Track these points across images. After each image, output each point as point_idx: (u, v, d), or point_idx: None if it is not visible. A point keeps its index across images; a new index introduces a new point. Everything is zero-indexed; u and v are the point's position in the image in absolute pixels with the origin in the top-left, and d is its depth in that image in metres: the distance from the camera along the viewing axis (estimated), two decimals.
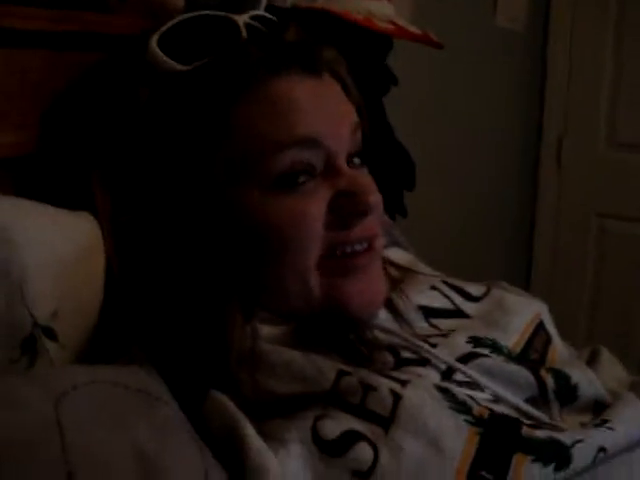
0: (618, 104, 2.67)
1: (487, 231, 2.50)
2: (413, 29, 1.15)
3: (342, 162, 0.69)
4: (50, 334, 0.63)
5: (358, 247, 0.69)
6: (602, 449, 0.63)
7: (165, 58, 0.69)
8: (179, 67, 0.69)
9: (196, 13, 0.72)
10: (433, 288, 0.83)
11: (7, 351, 0.61)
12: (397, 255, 0.93)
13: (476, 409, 0.64)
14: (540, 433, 0.63)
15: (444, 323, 0.78)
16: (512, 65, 2.56)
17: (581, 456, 0.62)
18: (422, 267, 0.94)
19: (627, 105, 2.65)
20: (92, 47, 0.79)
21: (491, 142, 2.46)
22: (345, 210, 0.68)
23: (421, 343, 0.69)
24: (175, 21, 0.71)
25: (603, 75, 2.69)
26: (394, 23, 1.12)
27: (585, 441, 0.63)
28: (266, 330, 0.68)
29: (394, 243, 1.07)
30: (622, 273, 2.70)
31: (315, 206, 0.67)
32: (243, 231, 0.67)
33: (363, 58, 1.10)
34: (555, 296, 2.64)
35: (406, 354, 0.69)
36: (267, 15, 0.77)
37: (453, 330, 0.76)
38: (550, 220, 2.85)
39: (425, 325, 0.77)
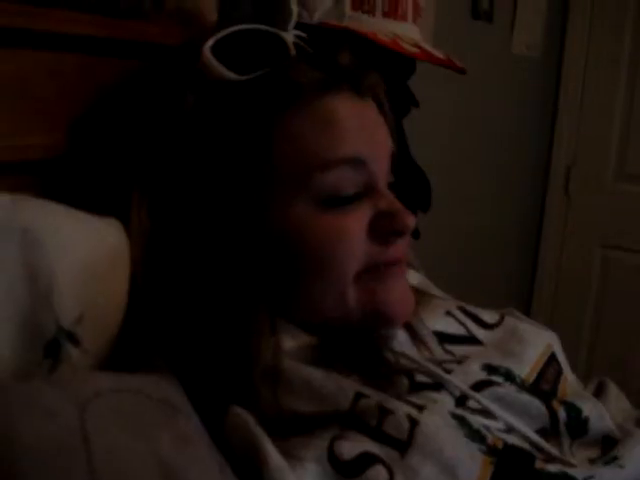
0: (629, 136, 2.69)
1: (492, 255, 2.51)
2: (438, 53, 1.16)
3: (382, 184, 0.72)
4: (73, 339, 0.62)
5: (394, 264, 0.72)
6: None
7: (220, 66, 0.70)
8: (234, 76, 0.70)
9: (245, 26, 0.73)
10: (448, 314, 0.84)
11: (30, 354, 0.60)
12: (413, 277, 0.93)
13: (490, 438, 0.64)
14: (552, 467, 0.64)
15: (458, 349, 0.78)
16: (525, 91, 2.58)
17: None
18: (436, 290, 0.95)
19: (638, 137, 2.67)
20: (127, 54, 0.79)
21: (501, 167, 2.48)
22: (384, 230, 0.70)
23: (437, 369, 0.70)
24: (226, 32, 0.72)
25: (615, 106, 2.71)
26: (419, 47, 1.14)
27: (596, 478, 0.64)
28: (288, 344, 0.68)
29: (408, 265, 1.08)
30: (624, 304, 2.70)
31: (357, 224, 0.69)
32: (282, 244, 0.69)
33: (387, 79, 1.11)
34: (556, 324, 2.64)
35: (421, 378, 0.69)
36: (303, 34, 0.79)
37: (467, 357, 0.76)
38: (555, 248, 2.86)
39: (440, 350, 0.77)
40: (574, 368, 0.90)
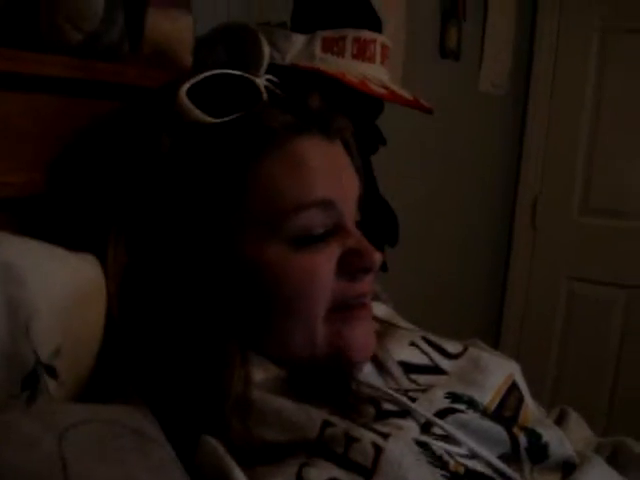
0: (593, 170, 2.75)
1: (461, 288, 2.53)
2: (405, 94, 1.19)
3: (350, 223, 0.75)
4: (51, 372, 0.64)
5: (361, 300, 0.75)
6: None
7: (196, 110, 0.72)
8: (208, 119, 0.72)
9: (219, 71, 0.75)
10: (412, 344, 0.85)
11: (9, 386, 0.61)
12: (379, 309, 0.96)
13: (452, 464, 0.66)
14: None
15: (422, 379, 0.80)
16: (492, 128, 2.63)
17: None
18: (401, 321, 0.97)
19: (602, 172, 2.73)
20: (105, 95, 0.82)
21: (468, 201, 2.51)
22: (352, 267, 0.73)
23: (402, 397, 0.72)
24: (201, 77, 0.74)
25: (579, 142, 2.77)
26: (387, 87, 1.17)
27: None
28: (258, 375, 0.70)
29: (375, 297, 1.10)
30: (588, 335, 2.74)
31: (327, 264, 0.72)
32: (254, 282, 0.71)
33: (355, 119, 1.14)
34: (523, 354, 2.68)
35: (387, 406, 0.71)
36: (274, 79, 0.82)
37: (432, 386, 0.78)
38: (522, 280, 2.89)
39: (404, 380, 0.79)
40: (539, 399, 0.92)
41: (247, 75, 0.76)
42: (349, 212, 0.75)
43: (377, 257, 0.73)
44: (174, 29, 0.91)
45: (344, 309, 0.73)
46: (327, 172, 0.73)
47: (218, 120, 0.72)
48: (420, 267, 2.22)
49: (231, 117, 0.73)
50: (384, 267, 1.33)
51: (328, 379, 0.72)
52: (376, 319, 0.90)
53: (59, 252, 0.70)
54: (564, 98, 2.79)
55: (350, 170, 0.78)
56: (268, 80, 0.80)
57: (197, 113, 0.72)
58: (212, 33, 0.94)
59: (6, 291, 0.62)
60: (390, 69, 1.27)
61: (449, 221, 2.39)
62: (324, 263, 0.72)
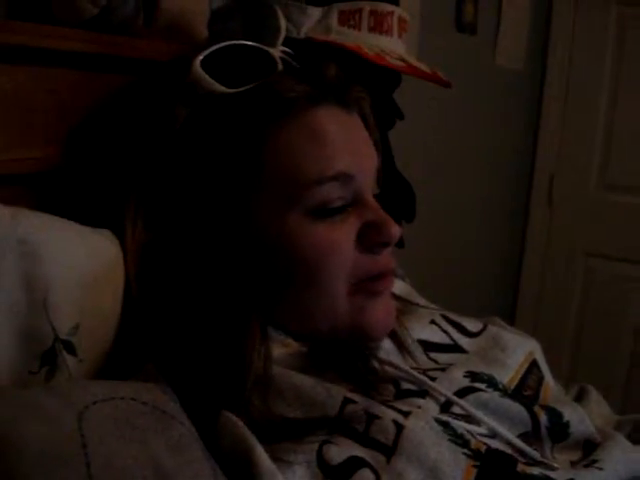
0: (611, 146, 2.72)
1: (477, 264, 2.52)
2: (423, 67, 1.18)
3: (368, 195, 0.74)
4: (70, 348, 0.64)
5: (382, 272, 0.74)
6: None
7: (210, 80, 0.71)
8: (224, 89, 0.72)
9: (233, 42, 0.75)
10: (432, 322, 0.85)
11: (27, 363, 0.62)
12: (397, 286, 0.95)
13: (473, 443, 0.66)
14: (534, 470, 0.65)
15: (442, 357, 0.80)
16: (509, 102, 2.60)
17: None
18: (419, 299, 0.97)
19: (620, 147, 2.69)
20: (119, 69, 0.81)
21: (484, 176, 2.49)
22: (372, 240, 0.72)
23: (422, 376, 0.71)
24: (215, 47, 0.73)
25: (598, 116, 2.73)
26: (405, 60, 1.15)
27: None
28: (277, 350, 0.70)
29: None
30: (606, 311, 2.73)
31: (346, 235, 0.71)
32: (274, 254, 0.70)
33: (372, 92, 1.13)
34: (540, 331, 2.67)
35: (406, 385, 0.71)
36: (289, 51, 0.80)
37: (451, 364, 0.78)
38: (538, 256, 2.88)
39: (424, 358, 0.79)
40: (557, 375, 0.92)
41: (261, 46, 0.75)
42: (367, 185, 0.75)
43: (396, 230, 0.73)
44: (189, 2, 0.90)
45: (365, 282, 0.73)
46: (345, 145, 0.72)
47: (233, 90, 0.72)
48: (435, 243, 2.21)
49: (246, 87, 0.72)
50: (400, 244, 1.32)
51: (348, 355, 0.72)
52: (395, 297, 0.89)
53: (76, 228, 0.69)
54: (582, 72, 2.75)
55: (368, 143, 0.77)
56: (283, 52, 0.79)
57: (212, 83, 0.72)
58: (228, 5, 0.92)
59: (23, 267, 0.62)
60: (405, 43, 1.25)
61: (465, 197, 2.37)
62: (343, 235, 0.71)
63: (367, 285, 0.73)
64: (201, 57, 0.72)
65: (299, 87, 0.72)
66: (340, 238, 0.71)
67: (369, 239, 0.72)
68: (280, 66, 0.75)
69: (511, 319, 2.78)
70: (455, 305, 1.00)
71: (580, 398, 0.93)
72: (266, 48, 0.76)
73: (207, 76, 0.72)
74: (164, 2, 0.85)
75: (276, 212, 0.70)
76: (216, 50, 0.74)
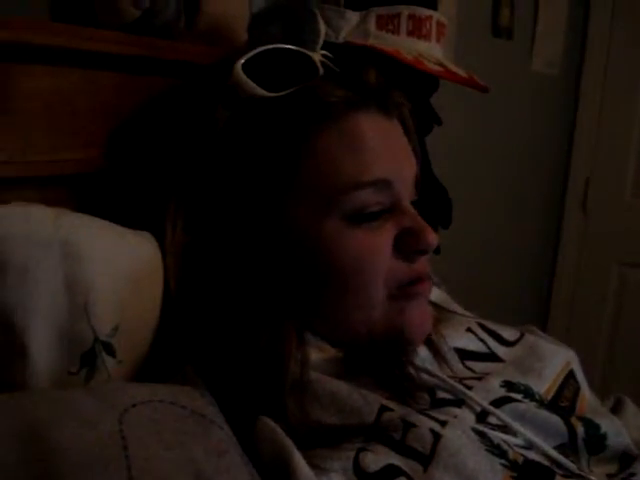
0: None
1: (510, 271, 2.50)
2: (461, 72, 1.17)
3: (406, 202, 0.74)
4: (109, 350, 0.64)
5: (419, 278, 0.74)
6: None
7: (252, 83, 0.71)
8: (265, 93, 0.72)
9: (274, 46, 0.75)
10: (469, 330, 0.85)
11: (67, 363, 0.62)
12: (433, 293, 0.94)
13: (511, 454, 0.65)
14: None
15: (478, 366, 0.80)
16: (544, 107, 2.58)
17: None
18: (455, 306, 0.96)
19: None
20: (161, 72, 0.81)
21: (519, 183, 2.48)
22: (409, 247, 0.72)
23: (458, 385, 0.71)
24: (257, 51, 0.74)
25: (633, 122, 2.70)
26: (442, 65, 1.15)
27: None
28: (314, 356, 0.70)
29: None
30: (639, 321, 2.69)
31: (384, 242, 0.71)
32: (311, 259, 0.70)
33: (410, 97, 1.12)
34: (573, 339, 2.63)
35: (442, 394, 0.70)
36: (329, 55, 0.80)
37: (487, 373, 0.77)
38: (572, 264, 2.85)
39: (460, 367, 0.79)
40: (590, 385, 0.91)
41: (302, 50, 0.75)
42: (405, 192, 0.74)
43: (433, 237, 0.72)
44: (230, 6, 0.90)
45: (402, 287, 0.72)
46: (384, 151, 0.72)
47: (274, 94, 0.72)
48: (468, 249, 2.20)
49: (287, 91, 0.72)
50: (437, 250, 1.31)
51: (385, 361, 0.71)
52: (431, 304, 0.89)
53: (117, 229, 0.70)
54: (618, 78, 2.72)
55: (407, 149, 0.77)
56: (324, 56, 0.79)
57: (253, 87, 0.72)
58: (268, 10, 0.92)
59: (65, 268, 0.63)
60: (443, 48, 1.25)
61: (500, 203, 2.35)
62: (381, 242, 0.71)
63: (404, 290, 0.72)
64: (242, 61, 0.73)
65: (339, 92, 0.71)
66: (377, 244, 0.71)
67: (406, 246, 0.72)
68: (321, 70, 0.75)
69: (543, 327, 2.75)
70: (487, 312, 0.99)
71: (616, 409, 0.92)
72: (307, 52, 0.76)
73: (249, 80, 0.72)
74: (206, 5, 0.85)
75: (313, 216, 0.70)
76: (257, 54, 0.74)
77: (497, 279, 2.42)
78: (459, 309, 0.96)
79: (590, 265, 2.81)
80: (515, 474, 0.63)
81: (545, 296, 2.87)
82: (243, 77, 0.72)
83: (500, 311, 1.71)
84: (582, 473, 0.69)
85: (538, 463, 0.67)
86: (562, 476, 0.66)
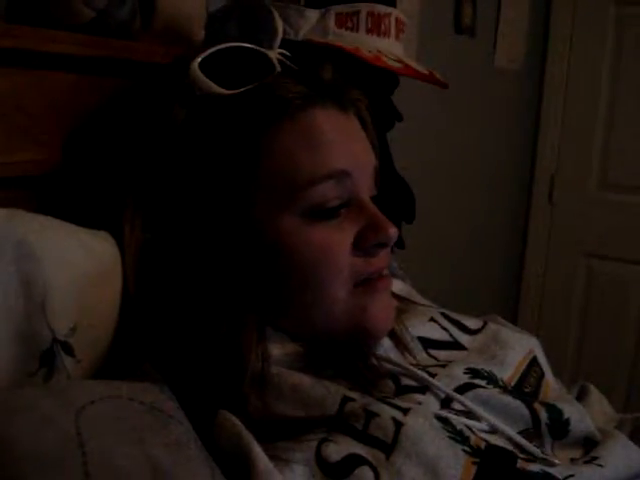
0: (611, 145, 2.72)
1: (479, 265, 2.52)
2: (420, 68, 1.18)
3: (366, 196, 0.74)
4: (68, 349, 0.64)
5: (379, 273, 0.74)
6: None
7: (208, 81, 0.72)
8: (222, 91, 0.72)
9: (230, 44, 0.75)
10: (432, 320, 0.85)
11: (25, 363, 0.62)
12: (396, 285, 0.95)
13: (473, 439, 0.66)
14: (534, 467, 0.65)
15: (442, 354, 0.80)
16: (508, 103, 2.61)
17: None
18: (419, 298, 0.97)
19: (619, 147, 2.70)
20: (117, 72, 0.81)
21: (484, 177, 2.50)
22: (369, 242, 0.72)
23: (421, 373, 0.71)
24: (213, 50, 0.74)
25: (597, 116, 2.74)
26: (402, 62, 1.16)
27: (576, 476, 0.65)
28: (275, 351, 0.70)
29: (392, 274, 1.10)
30: (607, 312, 2.73)
31: (343, 238, 0.71)
32: (270, 256, 0.71)
33: (370, 94, 1.13)
34: (542, 331, 2.68)
35: (407, 381, 0.71)
36: (286, 53, 0.81)
37: (451, 361, 0.78)
38: (540, 256, 2.88)
39: (424, 355, 0.79)
40: (560, 375, 0.92)
41: (259, 48, 0.76)
42: (364, 184, 0.74)
43: (393, 231, 0.73)
44: (186, 5, 0.90)
45: (365, 283, 0.73)
46: (341, 144, 0.72)
47: (230, 92, 0.72)
48: (436, 244, 2.21)
49: (243, 89, 0.72)
50: (401, 244, 1.32)
51: (347, 354, 0.72)
52: (394, 296, 0.89)
53: (73, 229, 0.70)
54: (581, 72, 2.76)
55: (365, 143, 0.78)
56: (281, 54, 0.79)
57: (209, 85, 0.72)
58: (225, 8, 0.93)
59: (21, 268, 0.62)
60: (405, 45, 1.26)
61: (465, 198, 2.37)
62: (339, 238, 0.71)
63: (365, 286, 0.73)
64: (199, 59, 0.73)
65: (295, 88, 0.72)
66: (336, 241, 0.71)
67: (366, 241, 0.72)
68: (277, 68, 0.76)
69: (513, 320, 2.77)
70: (457, 306, 1.00)
71: (581, 396, 0.93)
72: (263, 50, 0.77)
73: (205, 78, 0.72)
74: (160, 5, 0.85)
75: (272, 214, 0.70)
76: (214, 52, 0.74)
77: (467, 273, 2.43)
78: (423, 301, 0.96)
79: (558, 258, 2.85)
80: (477, 459, 0.64)
81: (515, 289, 2.90)
82: (200, 75, 0.72)
83: (470, 304, 1.73)
84: (545, 457, 0.70)
85: (500, 448, 0.67)
86: (525, 460, 0.67)
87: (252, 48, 0.76)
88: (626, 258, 2.70)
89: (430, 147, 2.12)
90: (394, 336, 0.78)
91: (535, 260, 2.89)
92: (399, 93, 1.32)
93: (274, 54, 0.77)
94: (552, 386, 0.85)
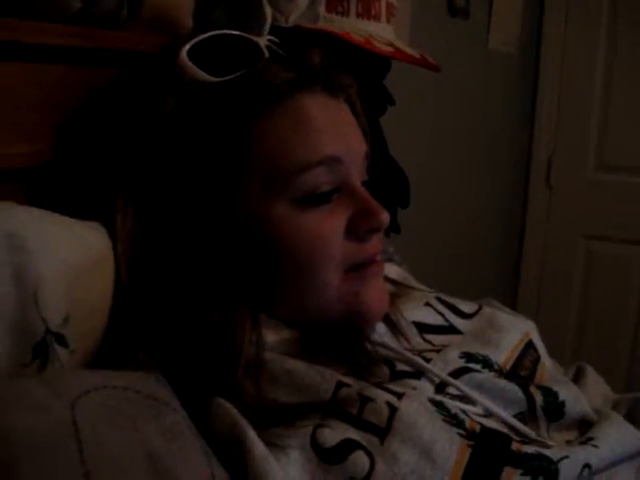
0: (607, 127, 2.72)
1: (476, 249, 2.53)
2: (411, 52, 1.18)
3: (357, 182, 0.74)
4: (61, 340, 0.64)
5: (372, 259, 0.74)
6: (587, 465, 0.66)
7: (196, 69, 0.72)
8: (210, 78, 0.72)
9: (219, 32, 0.75)
10: (427, 305, 0.86)
11: (19, 355, 0.62)
12: (392, 271, 0.95)
13: (468, 423, 0.66)
14: (528, 448, 0.65)
15: (437, 339, 0.80)
16: (504, 86, 2.60)
17: (567, 471, 0.64)
18: (414, 283, 0.97)
19: (616, 128, 2.70)
20: (105, 62, 0.81)
21: (481, 160, 2.50)
22: (361, 228, 0.72)
23: (416, 358, 0.72)
24: (201, 37, 0.74)
25: (593, 97, 2.74)
26: (393, 45, 1.15)
27: (571, 457, 0.66)
28: (270, 337, 0.70)
29: (388, 259, 1.10)
30: (607, 293, 2.73)
31: (335, 224, 0.71)
32: (263, 243, 0.71)
33: (362, 79, 1.13)
34: (542, 314, 2.68)
35: (402, 367, 0.71)
36: (275, 39, 0.81)
37: (446, 345, 0.78)
38: (538, 240, 2.88)
39: (419, 340, 0.79)
40: (560, 359, 0.92)
41: (247, 35, 0.76)
42: (355, 170, 0.75)
43: (384, 216, 0.73)
44: None
45: (357, 269, 0.73)
46: (332, 130, 0.72)
47: (219, 79, 0.72)
48: (434, 228, 2.21)
49: (232, 76, 0.72)
50: (397, 229, 1.32)
51: (341, 339, 0.72)
52: (390, 280, 0.90)
53: (65, 220, 0.70)
54: (576, 54, 2.76)
55: (355, 128, 0.77)
56: (270, 40, 0.79)
57: (198, 72, 0.72)
58: None
59: (12, 260, 0.62)
60: (397, 29, 1.26)
61: (462, 182, 2.37)
62: (331, 224, 0.71)
63: (358, 272, 0.73)
64: (187, 47, 0.73)
65: (284, 74, 0.72)
66: (328, 228, 0.71)
67: (357, 226, 0.72)
68: (266, 54, 0.75)
69: (513, 302, 2.78)
70: (456, 290, 1.00)
71: (578, 378, 0.93)
72: (251, 37, 0.76)
73: (193, 65, 0.72)
74: None
75: (264, 201, 0.70)
76: (202, 40, 0.74)
77: (465, 258, 2.44)
78: (418, 286, 0.96)
79: (557, 240, 2.85)
80: (472, 442, 0.64)
81: (514, 272, 2.91)
82: (188, 63, 0.72)
83: (470, 288, 1.73)
84: (540, 439, 0.71)
85: (495, 430, 0.67)
86: (520, 442, 0.67)
87: (240, 35, 0.76)
88: (625, 239, 2.71)
89: (425, 131, 2.12)
90: (389, 321, 0.78)
91: (534, 243, 2.89)
92: (392, 76, 1.32)
93: (263, 41, 0.77)
94: (548, 369, 0.85)
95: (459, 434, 0.64)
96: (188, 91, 0.73)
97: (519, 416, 0.73)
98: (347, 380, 0.66)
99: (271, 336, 0.71)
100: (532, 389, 0.75)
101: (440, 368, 0.72)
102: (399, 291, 0.88)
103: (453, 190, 2.32)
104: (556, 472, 0.64)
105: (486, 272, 2.63)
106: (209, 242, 0.71)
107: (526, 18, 2.63)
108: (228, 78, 0.72)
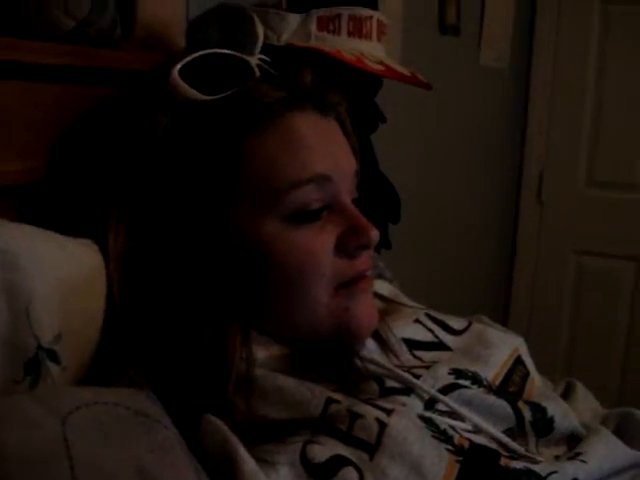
0: (598, 143, 2.73)
1: (468, 264, 2.53)
2: (402, 70, 1.19)
3: (347, 199, 0.75)
4: (53, 357, 0.64)
5: (361, 275, 0.75)
6: None
7: (188, 87, 0.72)
8: (201, 97, 0.73)
9: (210, 51, 0.76)
10: (416, 321, 0.86)
11: (11, 372, 0.62)
12: (382, 287, 0.96)
13: (457, 438, 0.66)
14: (517, 464, 0.66)
15: (427, 355, 0.81)
16: (495, 102, 2.61)
17: None
18: (405, 299, 0.97)
19: (607, 144, 2.71)
20: (99, 81, 0.82)
21: (473, 177, 2.50)
22: (351, 245, 0.73)
23: (406, 374, 0.72)
24: (193, 56, 0.75)
25: (584, 113, 2.75)
26: (384, 64, 1.16)
27: (559, 472, 0.66)
28: (260, 354, 0.71)
29: (379, 275, 1.11)
30: (598, 308, 2.74)
31: (325, 241, 0.72)
32: (253, 260, 0.71)
33: (353, 96, 1.14)
34: (534, 329, 2.69)
35: (391, 383, 0.71)
36: (266, 58, 0.81)
37: (435, 362, 0.78)
38: (530, 255, 2.89)
39: (409, 357, 0.80)
40: (551, 375, 0.92)
41: (239, 54, 0.77)
42: (345, 187, 0.75)
43: (374, 233, 0.73)
44: (166, 12, 0.91)
45: (347, 285, 0.74)
46: (322, 148, 0.73)
47: (210, 97, 0.73)
48: (426, 244, 2.22)
49: (223, 94, 0.73)
50: (388, 245, 1.33)
51: (331, 356, 0.73)
52: (380, 297, 0.90)
53: (57, 237, 0.70)
54: (567, 69, 2.77)
55: (345, 147, 0.78)
56: (261, 59, 0.80)
57: (189, 91, 0.73)
58: (205, 14, 0.93)
59: (4, 277, 0.63)
60: (389, 47, 1.27)
61: (454, 197, 2.38)
62: (321, 242, 0.72)
63: (348, 287, 0.74)
64: (179, 66, 0.74)
65: (275, 93, 0.73)
66: (318, 245, 0.72)
67: (347, 243, 0.73)
68: (257, 73, 0.76)
69: (504, 318, 2.78)
70: (447, 306, 1.01)
71: (567, 393, 0.94)
72: (243, 56, 0.77)
73: (185, 84, 0.73)
74: (140, 13, 0.86)
75: (254, 218, 0.71)
76: (194, 59, 0.75)
77: (456, 273, 2.44)
78: (409, 302, 0.97)
79: (548, 255, 2.86)
80: (460, 458, 0.64)
81: (505, 287, 2.91)
82: (180, 82, 0.73)
83: (462, 303, 1.74)
84: (529, 454, 0.71)
85: (483, 446, 0.68)
86: (509, 458, 0.67)
87: (232, 54, 0.77)
88: (616, 254, 2.71)
89: (417, 148, 2.13)
90: (378, 338, 0.79)
91: (525, 258, 2.90)
92: (384, 94, 1.33)
93: (254, 60, 0.78)
94: (537, 385, 0.86)
95: (448, 450, 0.65)
96: (180, 109, 0.73)
97: (508, 432, 0.73)
98: (337, 396, 0.66)
99: (261, 352, 0.71)
100: (521, 405, 0.75)
101: (429, 384, 0.73)
102: (389, 308, 0.89)
103: (444, 206, 2.33)
104: None
105: (477, 287, 2.64)
106: (200, 258, 0.71)
107: (517, 34, 2.64)
108: (219, 97, 0.73)
